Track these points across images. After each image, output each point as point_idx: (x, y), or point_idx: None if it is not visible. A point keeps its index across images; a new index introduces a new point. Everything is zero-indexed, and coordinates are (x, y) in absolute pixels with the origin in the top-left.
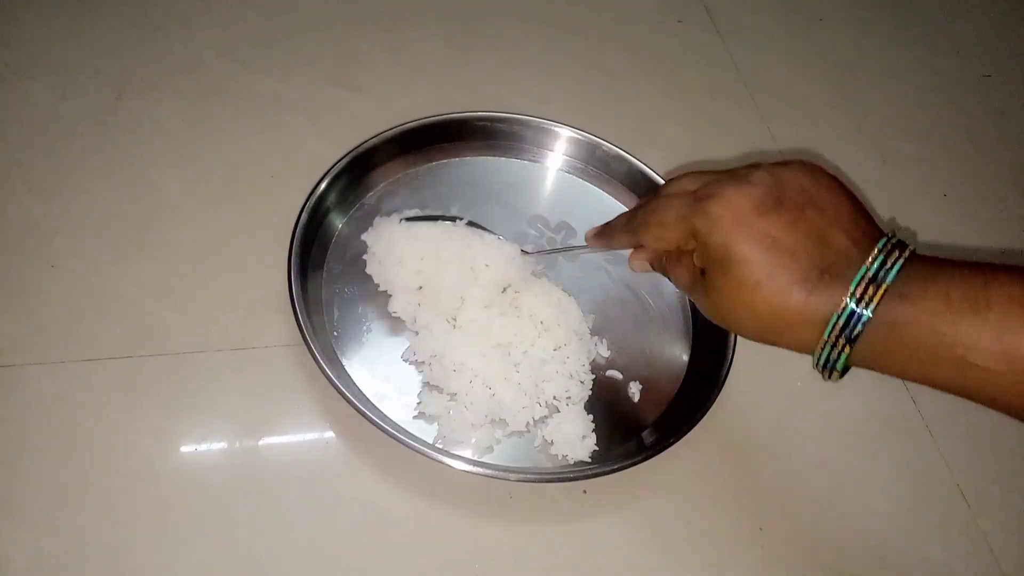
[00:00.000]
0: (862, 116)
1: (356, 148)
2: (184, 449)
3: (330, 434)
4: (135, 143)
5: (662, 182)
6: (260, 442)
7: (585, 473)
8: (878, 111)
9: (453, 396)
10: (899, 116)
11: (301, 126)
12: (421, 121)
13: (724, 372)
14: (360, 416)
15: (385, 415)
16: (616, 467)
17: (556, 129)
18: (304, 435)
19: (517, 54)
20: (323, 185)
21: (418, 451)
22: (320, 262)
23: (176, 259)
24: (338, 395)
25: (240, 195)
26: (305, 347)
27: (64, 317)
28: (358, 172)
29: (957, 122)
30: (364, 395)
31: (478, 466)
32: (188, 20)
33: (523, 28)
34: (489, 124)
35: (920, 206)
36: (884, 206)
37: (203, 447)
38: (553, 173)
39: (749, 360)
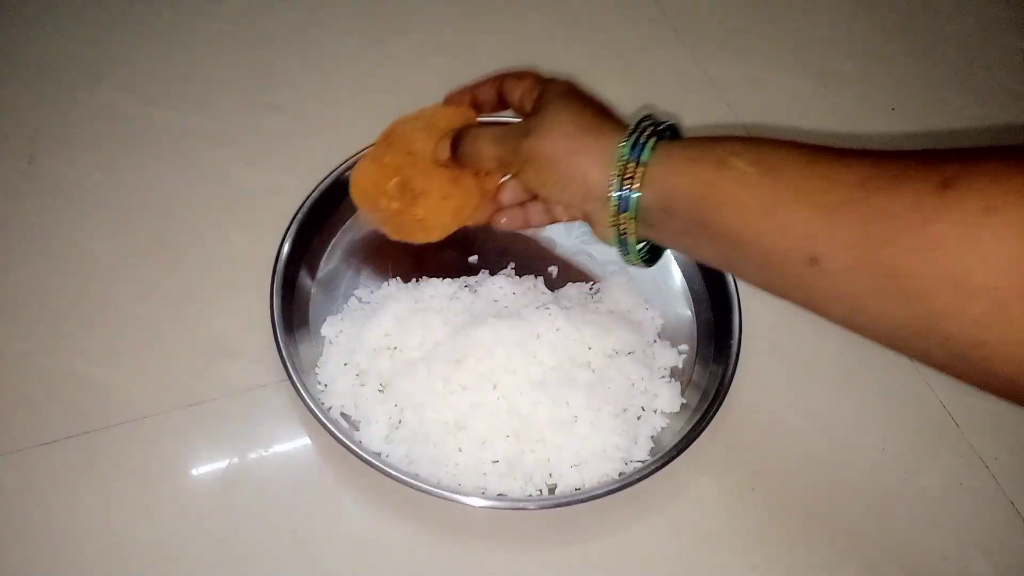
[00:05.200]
0: (797, 41)
1: (311, 194)
2: (162, 519)
3: (314, 482)
4: (57, 208)
5: None
6: (241, 499)
7: (578, 498)
8: (813, 33)
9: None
10: (835, 35)
11: (226, 156)
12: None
13: (729, 374)
14: (341, 447)
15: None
16: (604, 492)
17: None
18: (284, 486)
19: (431, 39)
20: (286, 248)
21: (425, 491)
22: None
23: (119, 322)
24: (309, 438)
25: (172, 242)
26: (269, 390)
27: (14, 403)
28: (318, 218)
29: (895, 31)
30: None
31: (475, 498)
32: (91, 66)
33: (433, 9)
34: None
35: (869, 124)
36: (831, 129)
37: (181, 513)
38: None
39: (753, 355)
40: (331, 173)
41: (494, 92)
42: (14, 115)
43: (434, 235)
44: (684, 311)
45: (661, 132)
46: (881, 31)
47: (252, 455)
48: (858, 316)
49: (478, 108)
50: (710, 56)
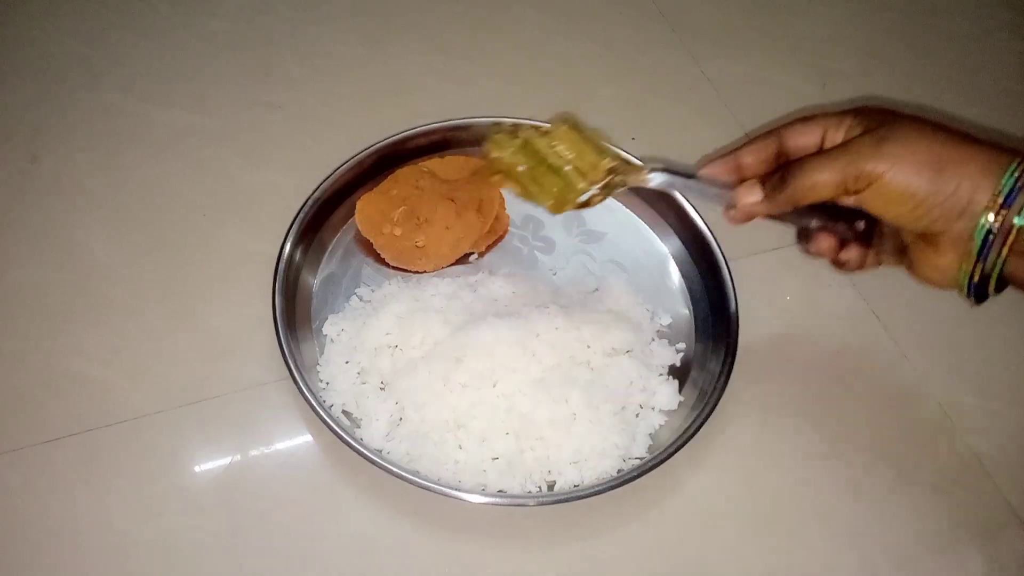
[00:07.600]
0: (796, 40)
1: (313, 193)
2: (163, 517)
3: (315, 479)
4: (57, 206)
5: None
6: (242, 496)
7: (576, 494)
8: (812, 32)
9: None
10: (835, 34)
11: (226, 155)
12: (366, 152)
13: (727, 372)
14: (340, 443)
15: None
16: (597, 490)
17: (494, 122)
18: (286, 483)
19: (431, 38)
20: (288, 246)
21: (425, 488)
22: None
23: (117, 320)
24: (310, 435)
25: (172, 241)
26: (271, 388)
27: (14, 402)
28: (319, 217)
29: (893, 29)
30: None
31: (475, 495)
32: (90, 64)
33: (433, 9)
34: (423, 137)
35: None
36: None
37: (182, 511)
38: None
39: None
40: (333, 172)
41: (771, 150)
42: (16, 114)
43: (431, 264)
44: (682, 309)
45: None
46: (881, 31)
47: (254, 453)
48: None
49: (741, 174)
50: (710, 56)
